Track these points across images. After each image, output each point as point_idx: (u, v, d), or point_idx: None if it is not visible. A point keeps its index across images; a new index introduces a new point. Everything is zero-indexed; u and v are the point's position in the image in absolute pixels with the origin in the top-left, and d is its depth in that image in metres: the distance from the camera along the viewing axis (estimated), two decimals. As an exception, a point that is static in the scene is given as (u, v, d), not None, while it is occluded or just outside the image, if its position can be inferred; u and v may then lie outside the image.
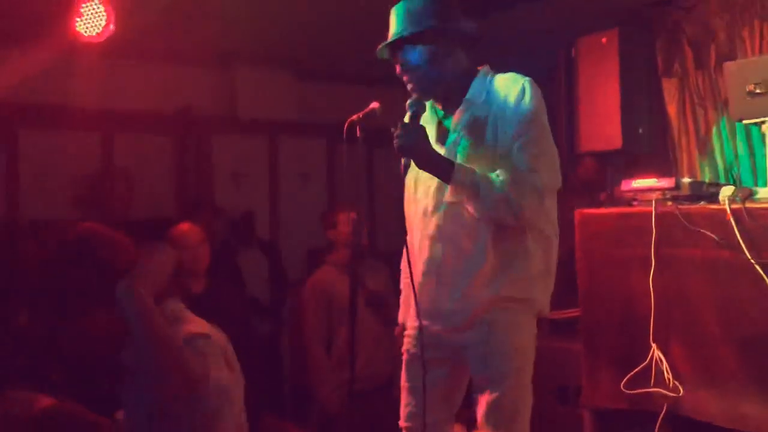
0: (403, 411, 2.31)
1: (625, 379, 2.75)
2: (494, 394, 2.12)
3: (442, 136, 2.22)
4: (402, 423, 2.31)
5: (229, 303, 3.42)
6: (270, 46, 4.92)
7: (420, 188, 2.24)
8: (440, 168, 2.06)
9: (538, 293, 2.20)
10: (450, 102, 2.22)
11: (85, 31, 3.02)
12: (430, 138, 2.11)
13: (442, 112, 2.27)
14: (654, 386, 2.68)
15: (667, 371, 2.66)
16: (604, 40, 3.48)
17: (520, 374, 2.16)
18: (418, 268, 2.23)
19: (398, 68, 2.20)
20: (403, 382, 2.33)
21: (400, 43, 2.15)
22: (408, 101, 2.16)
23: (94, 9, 3.02)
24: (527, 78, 2.13)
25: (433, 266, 2.19)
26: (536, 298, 2.20)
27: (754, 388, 2.46)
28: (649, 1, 4.08)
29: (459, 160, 2.11)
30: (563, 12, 3.91)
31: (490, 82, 2.17)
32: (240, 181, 5.47)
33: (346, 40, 4.82)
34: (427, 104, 2.26)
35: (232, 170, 5.43)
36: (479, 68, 2.24)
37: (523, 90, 2.09)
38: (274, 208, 5.67)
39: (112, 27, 3.09)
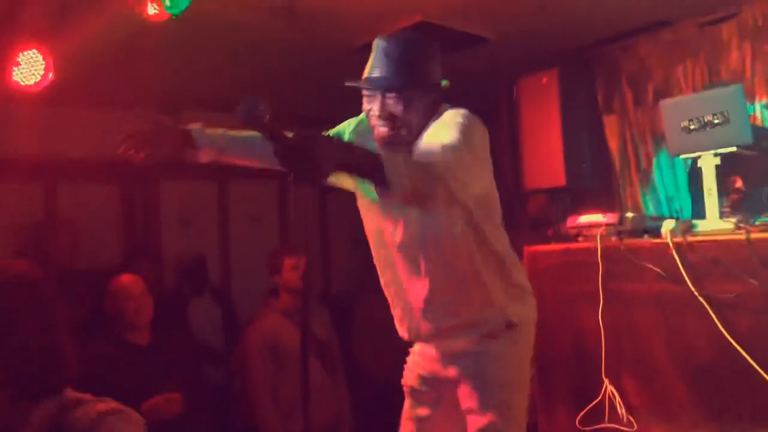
0: None
1: (579, 416, 2.75)
2: (481, 426, 2.09)
3: None
4: None
5: (177, 354, 3.33)
6: (215, 89, 4.90)
7: (381, 227, 2.19)
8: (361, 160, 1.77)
9: (512, 316, 2.14)
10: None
11: (23, 80, 2.95)
12: None
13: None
14: (608, 422, 2.69)
15: (620, 406, 2.68)
16: (544, 80, 3.57)
17: (508, 407, 2.11)
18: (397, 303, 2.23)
19: (378, 106, 2.05)
20: (405, 413, 2.30)
21: (390, 87, 2.04)
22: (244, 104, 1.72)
23: (31, 57, 2.95)
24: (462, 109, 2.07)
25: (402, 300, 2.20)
26: (518, 319, 2.15)
27: (706, 419, 2.48)
28: (588, 42, 4.19)
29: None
30: (504, 54, 4.00)
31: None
32: (189, 227, 5.39)
33: (290, 82, 4.85)
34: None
35: (180, 216, 5.34)
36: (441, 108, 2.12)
37: (456, 113, 2.04)
38: (225, 253, 5.59)
39: (51, 75, 3.03)
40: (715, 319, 2.40)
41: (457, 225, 2.06)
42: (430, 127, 2.03)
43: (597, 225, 2.84)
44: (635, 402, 2.66)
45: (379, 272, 2.27)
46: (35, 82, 3.00)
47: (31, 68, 2.95)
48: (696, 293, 2.45)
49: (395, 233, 2.13)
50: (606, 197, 4.15)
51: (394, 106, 2.03)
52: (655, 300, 2.63)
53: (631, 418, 2.63)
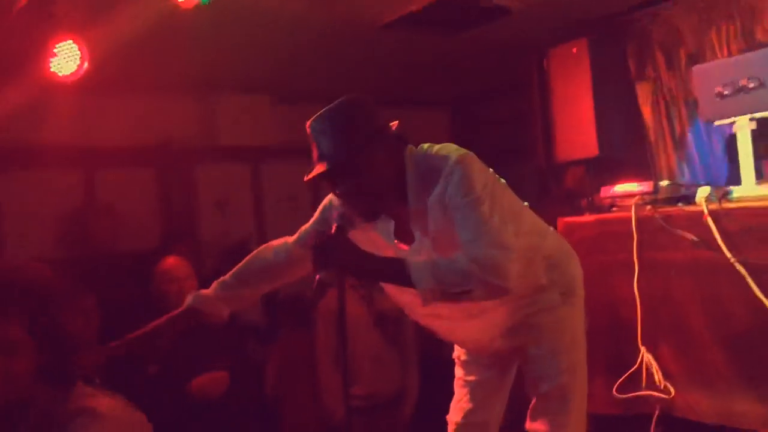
0: (454, 406, 2.39)
1: (616, 384, 2.76)
2: (545, 387, 2.18)
3: (404, 235, 2.03)
4: (451, 417, 2.39)
5: (221, 333, 3.41)
6: (249, 72, 4.95)
7: None
8: (395, 271, 1.85)
9: (566, 279, 2.20)
10: (397, 209, 2.01)
11: (60, 71, 3.02)
12: (386, 238, 1.99)
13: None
14: (645, 389, 2.70)
15: (657, 373, 2.68)
16: (574, 49, 3.54)
17: (575, 367, 2.21)
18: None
19: (337, 191, 1.99)
20: (458, 378, 2.40)
21: (333, 172, 1.92)
22: (336, 217, 1.98)
23: (67, 48, 3.02)
24: (452, 157, 1.94)
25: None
26: (567, 286, 2.20)
27: (743, 385, 2.48)
28: (618, 10, 4.13)
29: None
30: (533, 25, 3.96)
31: (421, 164, 1.98)
32: (225, 209, 5.48)
33: (321, 63, 4.87)
34: None
35: (216, 199, 5.43)
36: (403, 154, 2.01)
37: (453, 173, 1.91)
38: (261, 234, 5.67)
39: (86, 65, 3.10)
40: (753, 285, 2.39)
41: None
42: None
43: (631, 194, 2.83)
44: (672, 369, 2.67)
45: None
46: (71, 72, 3.08)
47: (67, 59, 3.02)
48: (732, 260, 2.43)
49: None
50: (640, 166, 4.11)
51: (344, 186, 1.93)
52: (691, 268, 2.62)
53: (668, 385, 2.64)
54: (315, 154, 1.98)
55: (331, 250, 1.86)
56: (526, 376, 2.27)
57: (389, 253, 2.00)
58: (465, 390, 2.38)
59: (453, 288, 1.82)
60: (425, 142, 2.13)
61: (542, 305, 2.18)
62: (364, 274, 1.96)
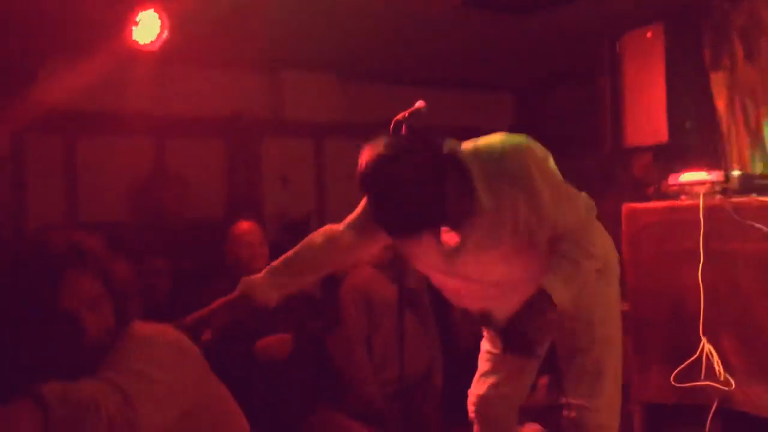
0: (477, 379, 2.43)
1: (674, 373, 2.74)
2: (579, 360, 2.21)
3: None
4: (473, 390, 2.43)
5: (283, 301, 3.50)
6: (315, 49, 5.01)
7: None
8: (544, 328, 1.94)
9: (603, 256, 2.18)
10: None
11: (141, 39, 3.13)
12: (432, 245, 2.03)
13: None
14: (704, 380, 2.67)
15: (718, 364, 2.65)
16: (649, 34, 3.47)
17: (609, 340, 2.24)
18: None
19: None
20: (484, 351, 2.43)
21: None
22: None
23: (149, 17, 3.13)
24: (502, 141, 1.96)
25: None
26: (605, 263, 2.21)
27: (807, 381, 2.43)
28: (697, -6, 4.03)
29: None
30: (608, 8, 3.89)
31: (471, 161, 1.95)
32: (288, 184, 5.58)
33: (389, 42, 4.89)
34: None
35: (280, 173, 5.54)
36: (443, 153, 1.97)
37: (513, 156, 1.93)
38: (322, 209, 5.76)
39: (165, 34, 3.20)
40: (824, 280, 2.33)
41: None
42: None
43: (701, 183, 2.78)
44: (734, 361, 2.63)
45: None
46: (151, 41, 3.19)
47: (148, 27, 3.13)
48: (804, 253, 2.38)
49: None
50: (711, 156, 4.01)
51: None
52: (760, 260, 2.57)
53: (729, 377, 2.61)
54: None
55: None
56: (560, 348, 2.28)
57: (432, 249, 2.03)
58: (489, 364, 2.40)
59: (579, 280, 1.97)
60: (487, 126, 2.23)
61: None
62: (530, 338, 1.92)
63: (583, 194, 2.15)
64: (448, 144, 1.98)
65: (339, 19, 4.29)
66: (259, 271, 3.20)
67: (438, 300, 4.67)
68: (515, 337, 1.88)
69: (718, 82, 4.15)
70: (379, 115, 2.72)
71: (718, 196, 2.71)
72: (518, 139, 1.96)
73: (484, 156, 1.93)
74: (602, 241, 2.24)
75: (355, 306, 3.88)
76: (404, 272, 3.87)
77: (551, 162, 2.02)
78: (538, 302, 1.89)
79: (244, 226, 3.46)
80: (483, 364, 2.44)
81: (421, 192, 1.83)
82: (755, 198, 2.61)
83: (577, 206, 2.04)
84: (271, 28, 4.34)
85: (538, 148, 1.97)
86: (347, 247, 2.31)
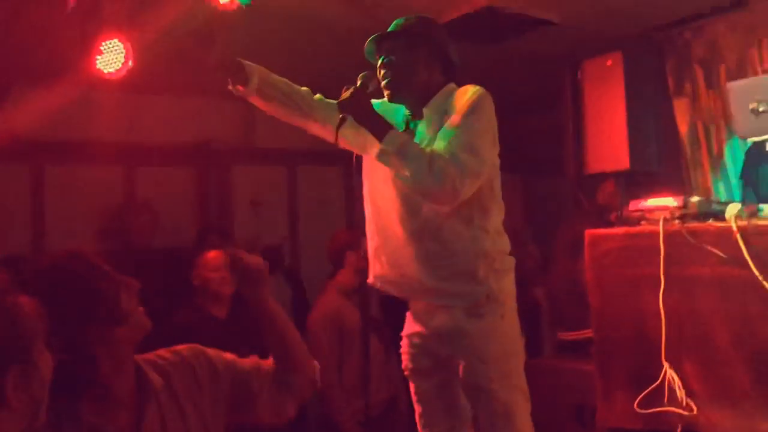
0: (418, 421, 2.44)
1: (638, 399, 2.75)
2: (484, 403, 2.23)
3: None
4: None
5: (253, 328, 3.48)
6: (288, 75, 5.03)
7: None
8: (377, 126, 2.16)
9: (496, 290, 2.25)
10: (416, 110, 2.35)
11: (105, 68, 3.11)
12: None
13: (409, 115, 2.38)
14: (668, 405, 2.67)
15: (680, 389, 2.66)
16: (609, 62, 3.54)
17: (508, 376, 2.24)
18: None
19: (379, 61, 2.34)
20: (412, 393, 2.45)
21: (388, 37, 2.34)
22: (361, 74, 2.30)
23: (113, 47, 3.11)
24: (480, 88, 2.26)
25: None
26: (497, 295, 2.26)
27: (766, 406, 2.45)
28: (657, 24, 4.12)
29: None
30: (569, 36, 3.96)
31: (451, 95, 2.29)
32: (260, 211, 5.57)
33: (359, 69, 4.93)
34: (392, 108, 2.40)
35: (251, 200, 5.53)
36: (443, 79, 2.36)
37: (469, 93, 2.23)
38: (294, 236, 5.75)
39: (131, 63, 3.19)
40: (780, 305, 2.36)
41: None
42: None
43: (660, 209, 2.82)
44: (695, 386, 2.64)
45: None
46: (116, 70, 3.17)
47: (112, 57, 3.11)
48: (761, 278, 2.41)
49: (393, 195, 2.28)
50: (674, 182, 4.07)
51: (389, 50, 2.32)
52: (718, 285, 2.59)
53: (690, 402, 2.62)
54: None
55: (358, 94, 2.19)
56: (465, 390, 2.30)
57: None
58: (420, 405, 2.43)
59: (409, 159, 2.08)
60: None
61: (469, 304, 2.22)
62: (362, 115, 2.17)
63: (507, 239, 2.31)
64: None
65: (309, 46, 4.32)
66: (227, 296, 3.24)
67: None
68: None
69: (681, 109, 4.24)
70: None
71: (677, 222, 2.74)
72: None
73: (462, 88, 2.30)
74: (506, 274, 2.31)
75: (326, 334, 3.86)
76: (369, 299, 3.89)
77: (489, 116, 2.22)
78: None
79: (213, 253, 3.55)
80: (416, 406, 2.46)
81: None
82: (712, 224, 2.65)
83: (482, 154, 2.16)
84: (241, 54, 4.36)
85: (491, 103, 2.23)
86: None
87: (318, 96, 2.49)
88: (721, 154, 4.07)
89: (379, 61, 2.33)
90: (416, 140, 2.24)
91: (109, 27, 3.02)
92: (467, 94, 2.23)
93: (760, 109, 2.61)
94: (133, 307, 1.59)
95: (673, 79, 4.26)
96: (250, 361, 1.81)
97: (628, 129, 3.45)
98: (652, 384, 2.73)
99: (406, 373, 2.46)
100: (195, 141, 5.22)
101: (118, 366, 1.54)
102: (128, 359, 1.57)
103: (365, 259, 3.84)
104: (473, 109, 2.18)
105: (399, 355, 4.03)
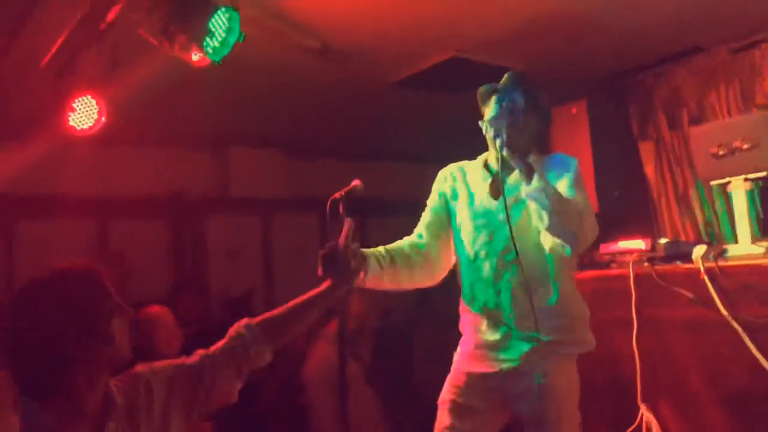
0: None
1: (616, 442, 2.76)
2: None
3: (495, 190, 2.32)
4: None
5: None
6: (261, 127, 5.09)
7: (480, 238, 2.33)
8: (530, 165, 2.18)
9: (588, 336, 2.33)
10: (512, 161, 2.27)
11: (78, 125, 3.13)
12: (483, 189, 2.33)
13: (496, 170, 2.30)
14: (646, 447, 2.69)
15: (657, 431, 2.68)
16: (574, 110, 3.63)
17: (572, 418, 2.26)
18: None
19: (500, 109, 2.29)
20: (445, 426, 2.33)
21: (512, 87, 2.34)
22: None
23: (86, 104, 3.13)
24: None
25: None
26: (587, 341, 2.33)
27: (742, 445, 2.47)
28: (621, 70, 4.24)
29: (516, 216, 2.24)
30: (538, 84, 4.05)
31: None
32: (235, 260, 5.55)
33: (334, 119, 5.00)
34: (479, 162, 2.44)
35: (226, 250, 5.51)
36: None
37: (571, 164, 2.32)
38: (270, 285, 5.72)
39: (103, 119, 3.20)
40: (749, 344, 2.41)
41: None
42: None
43: (629, 251, 2.87)
44: (672, 427, 2.66)
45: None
46: (89, 126, 3.18)
47: (85, 113, 3.13)
48: (729, 318, 2.46)
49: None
50: (643, 224, 4.15)
51: (514, 98, 2.32)
52: (689, 325, 2.64)
53: (667, 444, 2.64)
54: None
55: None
56: (527, 420, 2.26)
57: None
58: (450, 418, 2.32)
59: (555, 202, 2.08)
60: (427, 200, 2.49)
61: (560, 354, 2.24)
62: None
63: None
64: None
65: (282, 98, 4.39)
66: (175, 353, 3.12)
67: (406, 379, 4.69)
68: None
69: (646, 151, 4.35)
70: (325, 190, 2.75)
71: (646, 264, 2.79)
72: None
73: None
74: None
75: (324, 384, 3.80)
76: (360, 347, 3.86)
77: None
78: None
79: (156, 309, 3.33)
80: (444, 415, 2.36)
81: None
82: (680, 265, 2.70)
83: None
84: (214, 107, 4.41)
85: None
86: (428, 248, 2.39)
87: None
88: (687, 195, 4.17)
89: (500, 109, 2.34)
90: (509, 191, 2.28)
91: (83, 84, 3.04)
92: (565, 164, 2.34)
93: (721, 153, 2.69)
94: (121, 332, 1.62)
95: (637, 123, 4.38)
96: (196, 357, 1.81)
97: (595, 173, 3.53)
98: (630, 426, 2.75)
99: (446, 405, 2.36)
100: (168, 192, 5.22)
101: (92, 382, 1.58)
102: (102, 378, 1.61)
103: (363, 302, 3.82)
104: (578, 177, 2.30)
105: (396, 402, 4.00)
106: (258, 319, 1.87)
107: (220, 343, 1.82)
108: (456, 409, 2.33)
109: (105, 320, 1.59)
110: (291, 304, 1.96)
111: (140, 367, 1.74)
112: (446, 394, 2.37)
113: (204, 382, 1.75)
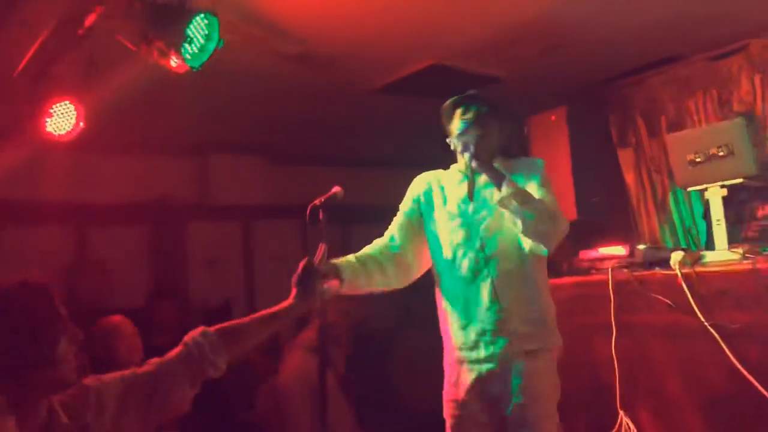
0: None
1: (595, 448, 2.77)
2: None
3: (471, 191, 2.34)
4: None
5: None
6: (242, 133, 5.07)
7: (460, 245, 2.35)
8: (499, 173, 2.24)
9: (556, 331, 2.37)
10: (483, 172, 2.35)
11: (56, 131, 3.10)
12: (459, 192, 2.38)
13: (467, 176, 2.35)
14: (625, 453, 2.70)
15: (636, 437, 2.69)
16: (553, 117, 3.65)
17: (551, 417, 2.28)
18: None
19: (468, 117, 2.39)
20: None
21: (471, 101, 2.42)
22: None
23: (64, 109, 3.10)
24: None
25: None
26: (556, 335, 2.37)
27: (719, 450, 2.49)
28: (600, 78, 4.28)
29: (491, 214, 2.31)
30: (515, 92, 4.10)
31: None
32: (215, 267, 5.51)
33: (316, 125, 5.00)
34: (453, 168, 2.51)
35: (207, 257, 5.47)
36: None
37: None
38: (250, 292, 5.69)
39: (81, 124, 3.17)
40: (726, 349, 2.43)
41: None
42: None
43: (608, 258, 2.89)
44: (651, 433, 2.68)
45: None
46: (67, 132, 3.15)
47: (63, 119, 3.10)
48: (706, 323, 2.48)
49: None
50: (623, 230, 4.18)
51: (478, 109, 2.40)
52: (667, 331, 2.66)
53: (646, 449, 2.65)
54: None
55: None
56: (510, 423, 2.27)
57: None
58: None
59: (526, 205, 2.14)
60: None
61: (532, 351, 2.26)
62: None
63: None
64: None
65: (263, 104, 4.37)
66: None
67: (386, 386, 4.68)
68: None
69: (625, 158, 4.39)
70: (306, 197, 2.74)
71: (625, 270, 2.81)
72: None
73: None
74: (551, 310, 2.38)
75: (300, 391, 3.78)
76: (335, 356, 3.84)
77: None
78: None
79: (116, 319, 3.27)
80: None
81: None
82: (658, 271, 2.73)
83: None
84: (194, 113, 4.38)
85: None
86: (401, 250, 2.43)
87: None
88: (666, 201, 4.21)
89: (468, 117, 2.43)
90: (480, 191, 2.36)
91: (60, 89, 3.02)
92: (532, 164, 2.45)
93: (698, 160, 2.72)
94: (68, 355, 1.56)
95: (616, 130, 4.42)
96: (150, 366, 1.75)
97: (574, 180, 3.56)
98: (610, 431, 2.77)
99: (450, 421, 2.37)
100: (148, 199, 5.18)
101: (29, 402, 1.52)
102: (42, 399, 1.54)
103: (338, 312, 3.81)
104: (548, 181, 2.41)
105: (374, 411, 3.97)
106: (215, 327, 1.82)
107: (175, 351, 1.76)
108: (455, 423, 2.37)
109: (49, 343, 1.52)
110: (251, 316, 1.93)
111: (89, 380, 1.67)
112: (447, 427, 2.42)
113: (158, 390, 1.69)
